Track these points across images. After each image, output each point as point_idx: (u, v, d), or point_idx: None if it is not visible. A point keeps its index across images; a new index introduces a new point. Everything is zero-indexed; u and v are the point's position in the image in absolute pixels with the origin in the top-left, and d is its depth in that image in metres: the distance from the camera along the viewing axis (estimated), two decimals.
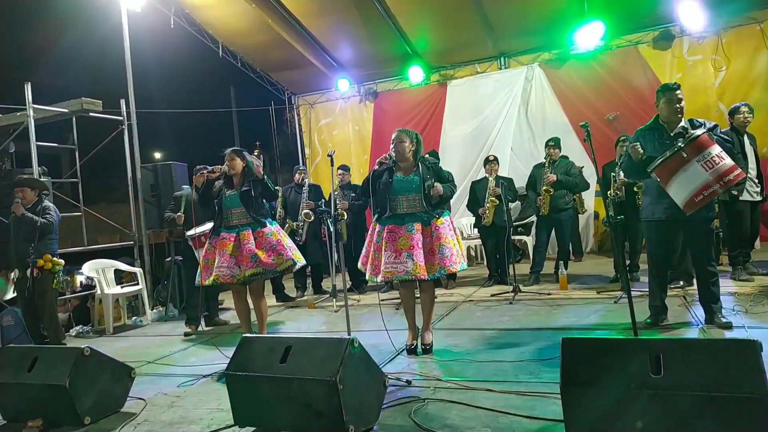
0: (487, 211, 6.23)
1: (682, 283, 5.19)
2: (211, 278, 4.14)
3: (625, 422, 2.01)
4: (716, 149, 3.29)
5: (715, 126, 3.74)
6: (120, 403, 3.35)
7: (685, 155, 3.30)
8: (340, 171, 6.93)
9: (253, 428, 2.80)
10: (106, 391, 3.25)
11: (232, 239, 4.17)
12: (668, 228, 3.93)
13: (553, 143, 6.26)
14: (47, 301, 5.07)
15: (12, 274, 4.99)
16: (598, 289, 5.53)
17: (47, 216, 5.07)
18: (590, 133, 3.23)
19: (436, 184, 3.83)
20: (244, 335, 2.96)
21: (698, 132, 3.36)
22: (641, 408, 1.98)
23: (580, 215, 7.66)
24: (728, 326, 3.73)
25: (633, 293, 5.00)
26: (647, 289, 5.01)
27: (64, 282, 5.67)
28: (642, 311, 4.28)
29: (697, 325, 3.95)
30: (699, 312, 4.17)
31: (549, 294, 5.57)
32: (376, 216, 3.99)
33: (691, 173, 3.31)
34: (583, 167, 7.30)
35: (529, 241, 7.91)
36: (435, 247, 3.77)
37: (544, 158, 6.28)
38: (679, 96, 3.76)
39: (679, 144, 3.37)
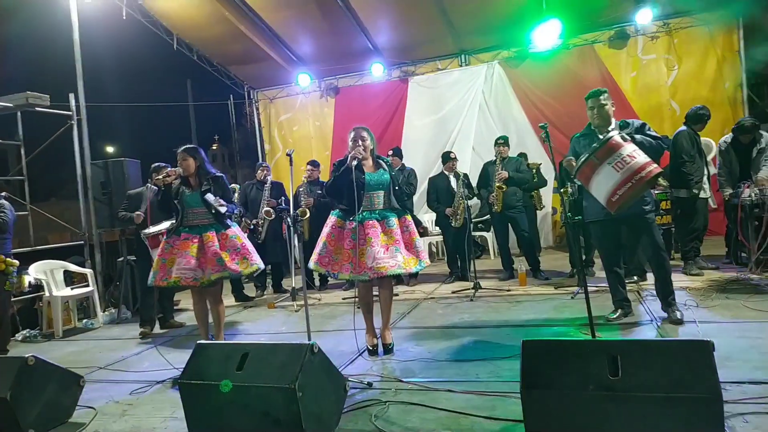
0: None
1: (635, 278, 5.33)
2: (172, 280, 3.99)
3: (585, 423, 2.02)
4: (628, 149, 3.40)
5: (643, 125, 3.87)
6: (68, 413, 3.19)
7: (596, 160, 3.44)
8: (308, 167, 6.84)
9: None
10: (52, 401, 3.10)
11: (195, 240, 4.05)
12: (609, 226, 4.03)
13: (503, 141, 6.41)
14: (2, 306, 4.81)
15: None
16: (556, 285, 5.63)
17: (1, 215, 4.80)
18: (548, 133, 3.26)
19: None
20: (198, 342, 2.86)
21: (609, 135, 3.48)
22: (600, 409, 1.99)
23: (538, 211, 7.82)
24: (679, 322, 3.83)
25: (589, 288, 5.17)
26: (604, 284, 5.14)
27: (16, 284, 5.40)
28: (598, 306, 4.38)
29: (652, 320, 4.05)
30: (653, 307, 4.28)
31: (508, 290, 5.63)
32: (338, 212, 3.89)
33: (603, 175, 3.43)
34: (540, 164, 7.43)
35: (489, 237, 8.00)
36: (411, 241, 3.81)
37: (495, 155, 6.37)
38: (602, 102, 3.92)
39: (589, 150, 3.52)
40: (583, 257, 6.12)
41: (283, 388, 2.38)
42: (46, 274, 6.00)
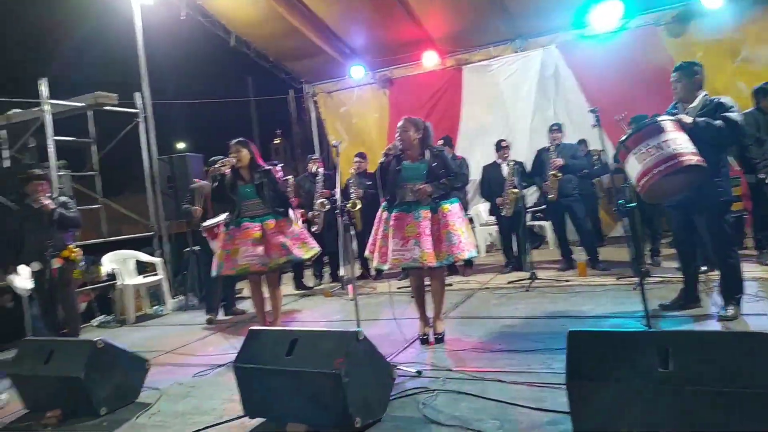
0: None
1: (705, 268, 5.05)
2: (240, 267, 4.17)
3: (633, 417, 1.96)
4: (663, 137, 3.25)
5: (719, 105, 3.56)
6: (136, 393, 3.41)
7: (624, 148, 3.38)
8: (356, 158, 6.91)
9: (262, 419, 2.83)
10: (121, 382, 3.32)
11: (257, 228, 4.23)
12: (682, 212, 3.84)
13: (557, 127, 6.21)
14: (71, 292, 5.15)
15: (30, 267, 5.03)
16: (618, 275, 5.43)
17: (73, 211, 5.12)
18: (599, 118, 3.16)
19: (423, 185, 3.79)
20: (251, 328, 2.98)
21: (645, 122, 3.41)
22: (648, 402, 1.93)
23: (599, 199, 7.56)
24: (727, 318, 3.60)
25: (653, 279, 4.97)
26: (669, 275, 4.92)
27: (86, 272, 5.76)
28: (662, 297, 4.21)
29: (716, 314, 3.84)
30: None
31: (566, 281, 5.49)
32: (384, 204, 3.98)
33: (630, 163, 3.37)
34: (602, 150, 7.14)
35: (547, 226, 7.80)
36: (443, 234, 3.75)
37: (549, 142, 6.20)
38: (685, 75, 3.71)
39: (622, 138, 3.44)
40: (650, 246, 5.89)
41: (330, 373, 2.44)
42: (119, 264, 6.38)
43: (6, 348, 5.10)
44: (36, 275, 4.69)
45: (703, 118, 3.46)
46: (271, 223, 4.25)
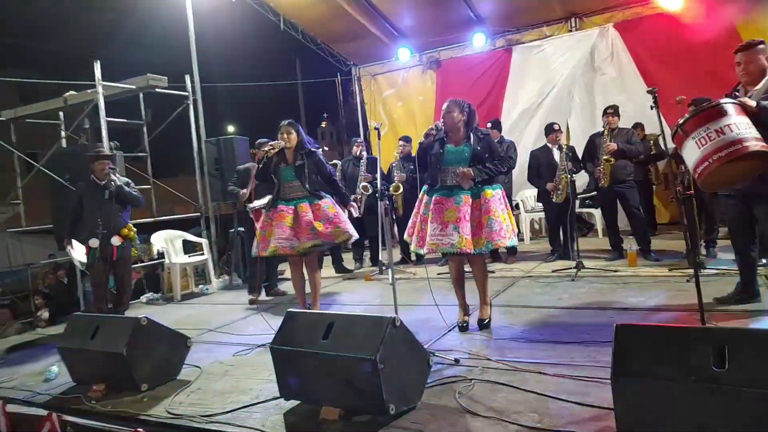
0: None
1: (764, 261, 4.74)
2: (270, 249, 4.21)
3: (682, 418, 1.83)
4: (725, 120, 3.00)
5: None
6: (176, 370, 3.48)
7: (682, 132, 3.15)
8: (401, 142, 6.83)
9: (297, 401, 2.82)
10: (162, 359, 3.38)
11: (290, 212, 4.24)
12: (740, 202, 3.60)
13: (612, 110, 5.89)
14: (129, 269, 5.32)
15: (90, 243, 5.20)
16: (671, 266, 5.16)
17: (134, 189, 5.26)
18: (657, 98, 2.95)
19: (465, 168, 3.68)
20: (288, 310, 2.97)
21: (704, 105, 3.14)
22: (701, 403, 1.79)
23: (654, 186, 7.21)
24: None
25: (708, 272, 4.70)
26: (725, 266, 4.64)
27: (142, 249, 5.93)
28: (718, 291, 3.97)
29: None
30: None
31: (615, 271, 5.27)
32: (425, 187, 3.90)
33: (689, 149, 3.15)
34: (659, 135, 6.80)
35: (597, 213, 7.52)
36: (483, 220, 3.64)
37: (602, 126, 5.91)
38: (749, 56, 3.44)
39: (680, 120, 3.19)
40: (705, 237, 5.59)
41: (365, 358, 2.40)
42: (167, 243, 6.55)
43: (62, 321, 5.31)
44: (93, 251, 4.83)
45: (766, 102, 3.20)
46: (304, 206, 4.25)
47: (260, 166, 4.43)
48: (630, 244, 5.65)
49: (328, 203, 4.37)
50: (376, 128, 3.79)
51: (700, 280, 4.47)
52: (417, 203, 3.94)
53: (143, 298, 6.42)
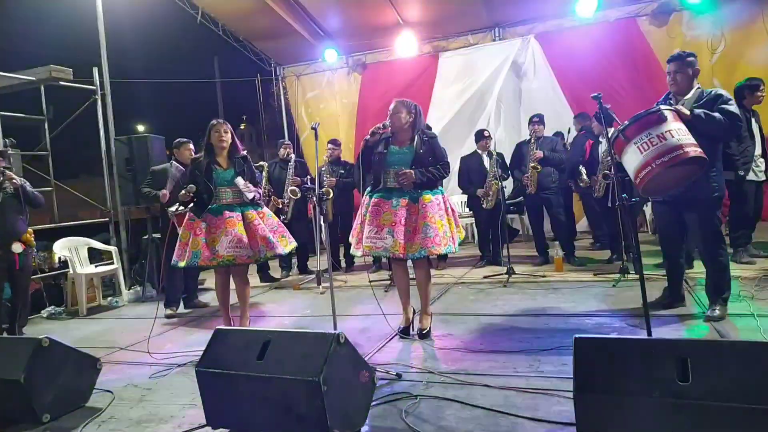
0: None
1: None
2: (223, 259, 3.84)
3: None
4: (664, 127, 3.09)
5: (718, 97, 3.43)
6: (85, 397, 3.07)
7: (624, 138, 3.21)
8: (329, 145, 6.61)
9: (227, 430, 2.55)
10: (68, 384, 2.97)
11: (239, 218, 3.94)
12: (671, 208, 3.71)
13: (538, 119, 6.08)
14: (29, 279, 4.82)
15: None
16: (595, 272, 5.32)
17: (35, 192, 4.72)
18: (602, 103, 2.97)
19: (406, 171, 3.60)
20: (218, 327, 2.68)
21: (646, 111, 3.23)
22: (666, 419, 1.74)
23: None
24: (714, 319, 3.50)
25: (631, 277, 4.86)
26: (647, 272, 4.80)
27: (41, 258, 5.32)
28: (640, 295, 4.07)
29: (703, 313, 3.73)
30: (704, 298, 3.97)
31: (544, 276, 5.35)
32: (368, 188, 3.76)
33: (629, 154, 3.21)
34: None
35: (524, 220, 7.68)
36: (419, 225, 3.55)
37: (529, 135, 6.07)
38: (680, 66, 3.57)
39: (622, 125, 3.27)
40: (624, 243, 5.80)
41: (307, 381, 2.18)
42: (71, 251, 5.93)
43: None
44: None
45: (701, 110, 3.31)
46: (251, 214, 3.99)
47: (190, 169, 4.08)
48: (556, 250, 5.77)
49: (269, 211, 4.20)
50: (313, 128, 3.57)
51: (624, 285, 4.64)
52: (361, 204, 3.80)
53: (44, 313, 5.76)
